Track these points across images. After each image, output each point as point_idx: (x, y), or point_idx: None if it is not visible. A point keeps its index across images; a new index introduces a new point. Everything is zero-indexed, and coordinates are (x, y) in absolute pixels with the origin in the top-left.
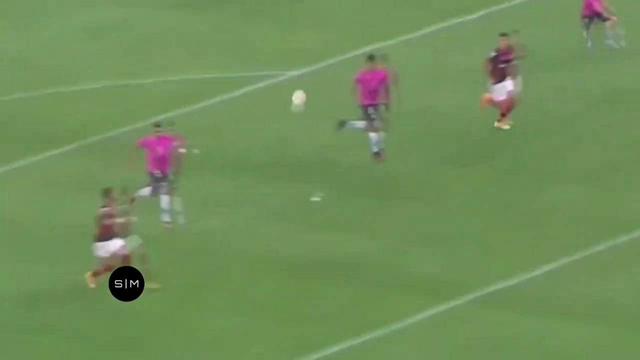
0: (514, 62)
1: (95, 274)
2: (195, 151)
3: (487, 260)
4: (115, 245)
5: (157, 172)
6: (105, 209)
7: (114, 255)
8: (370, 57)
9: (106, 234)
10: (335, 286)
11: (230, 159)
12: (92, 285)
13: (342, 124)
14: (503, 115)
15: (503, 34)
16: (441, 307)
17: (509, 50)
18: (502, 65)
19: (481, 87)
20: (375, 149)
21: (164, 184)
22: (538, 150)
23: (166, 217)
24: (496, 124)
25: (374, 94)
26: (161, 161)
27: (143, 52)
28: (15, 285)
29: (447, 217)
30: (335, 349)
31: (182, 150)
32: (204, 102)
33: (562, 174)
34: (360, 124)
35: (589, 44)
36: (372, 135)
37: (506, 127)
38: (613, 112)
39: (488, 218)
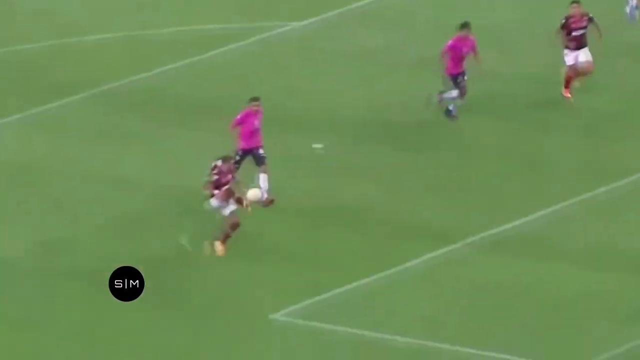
0: (585, 31)
1: (225, 240)
2: None
3: (489, 206)
4: (231, 208)
5: (249, 149)
6: (225, 173)
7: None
8: (464, 25)
9: (228, 196)
10: (342, 231)
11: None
12: (222, 253)
13: (431, 98)
14: (567, 82)
15: (574, 1)
16: (444, 251)
17: (581, 17)
18: (575, 34)
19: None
20: (450, 107)
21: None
22: (539, 100)
23: (264, 194)
24: (564, 93)
25: (462, 62)
26: (255, 134)
27: (155, 3)
28: (33, 234)
29: (450, 165)
30: (342, 292)
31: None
32: (211, 52)
33: (563, 123)
34: (454, 92)
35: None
36: (459, 101)
37: (569, 96)
38: (615, 63)
39: (490, 166)
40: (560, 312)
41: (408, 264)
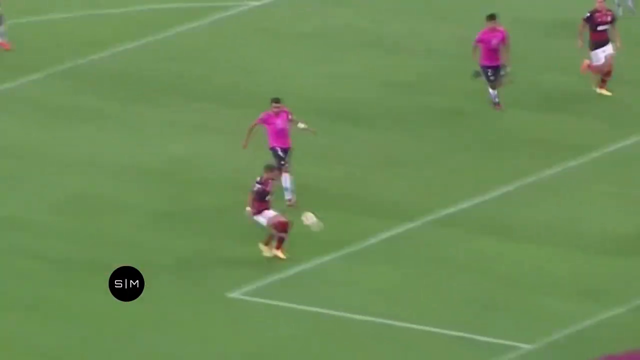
0: (609, 27)
1: (268, 242)
2: (302, 125)
3: (444, 184)
4: (270, 213)
5: (279, 148)
6: (262, 186)
7: (272, 219)
8: (491, 16)
9: (263, 208)
10: (301, 210)
11: (194, 87)
12: (269, 254)
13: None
14: (603, 81)
15: None
16: (400, 229)
17: (606, 12)
18: (600, 28)
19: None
20: (496, 100)
21: (286, 159)
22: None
23: (288, 195)
24: (597, 90)
25: (494, 54)
26: (281, 135)
27: None
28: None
29: (408, 143)
30: (300, 270)
31: (302, 125)
32: (170, 31)
33: (516, 100)
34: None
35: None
36: (491, 91)
37: (608, 93)
38: (568, 41)
39: (444, 144)
40: (513, 290)
41: (367, 242)
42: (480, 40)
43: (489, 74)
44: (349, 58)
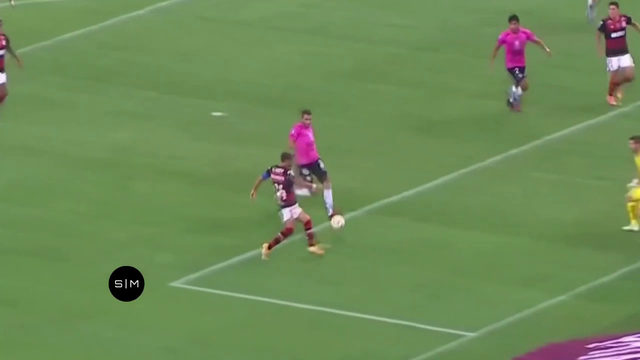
0: (624, 33)
1: (273, 245)
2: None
3: (387, 171)
4: (297, 210)
5: (309, 163)
6: (290, 173)
7: (295, 220)
8: (513, 17)
9: (291, 199)
10: (242, 198)
11: (137, 74)
12: (267, 258)
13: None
14: (612, 89)
15: (613, 2)
16: (344, 217)
17: (619, 19)
18: (614, 35)
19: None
20: (511, 99)
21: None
22: (435, 65)
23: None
24: (609, 100)
25: (518, 56)
26: (311, 148)
27: None
28: None
29: (349, 130)
30: (242, 259)
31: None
32: (112, 19)
33: (460, 87)
34: (513, 87)
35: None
36: (514, 89)
37: (614, 103)
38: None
39: (387, 131)
40: (456, 277)
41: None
42: (501, 42)
43: (517, 72)
44: (291, 45)
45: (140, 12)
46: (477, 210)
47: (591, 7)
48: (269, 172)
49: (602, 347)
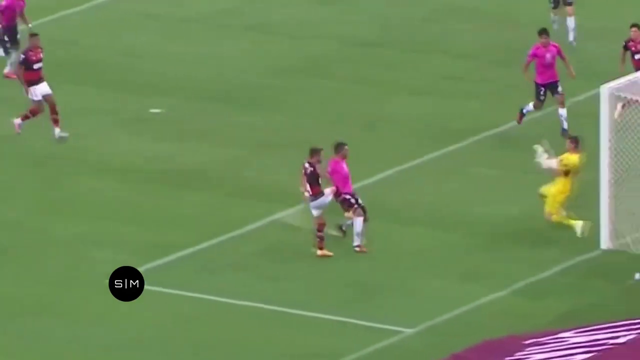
0: None
1: (321, 245)
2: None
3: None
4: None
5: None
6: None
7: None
8: (542, 31)
9: (317, 192)
10: (184, 194)
11: (81, 71)
12: (320, 253)
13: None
14: None
15: (635, 25)
16: (284, 213)
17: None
18: (637, 57)
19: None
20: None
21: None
22: (378, 61)
23: (357, 241)
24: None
25: (549, 71)
26: (348, 180)
27: None
28: None
29: (290, 126)
30: (184, 255)
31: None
32: (54, 15)
33: (402, 84)
34: (531, 104)
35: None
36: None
37: None
38: (446, 24)
39: (327, 128)
40: (395, 273)
41: (250, 226)
42: (532, 56)
43: (541, 92)
44: (232, 42)
45: (81, 8)
46: (417, 207)
47: (553, 21)
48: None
49: (539, 343)
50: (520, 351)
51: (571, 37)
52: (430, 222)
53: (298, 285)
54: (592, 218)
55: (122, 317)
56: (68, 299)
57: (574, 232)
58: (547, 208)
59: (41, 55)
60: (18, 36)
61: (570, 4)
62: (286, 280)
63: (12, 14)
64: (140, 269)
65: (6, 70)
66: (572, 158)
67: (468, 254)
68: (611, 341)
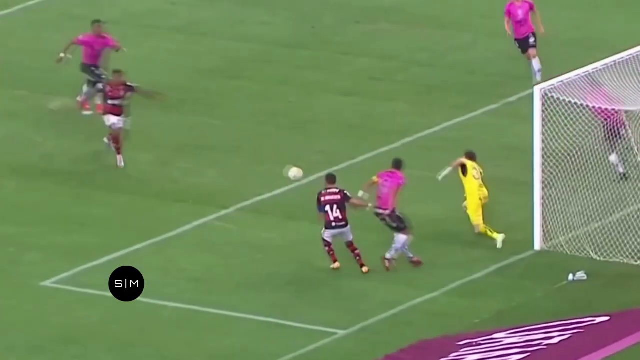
0: None
1: (361, 262)
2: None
3: (258, 169)
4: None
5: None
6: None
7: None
8: None
9: (345, 219)
10: (113, 197)
11: (5, 72)
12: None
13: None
14: None
15: None
16: (213, 215)
17: None
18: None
19: None
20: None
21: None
22: (304, 62)
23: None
24: None
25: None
26: (378, 199)
27: None
28: None
29: (217, 127)
30: (113, 258)
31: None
32: None
33: (328, 85)
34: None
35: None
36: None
37: None
38: (369, 25)
39: (256, 129)
40: (327, 274)
41: (180, 229)
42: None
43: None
44: (158, 43)
45: (10, 10)
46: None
47: (539, 70)
48: (318, 201)
49: (473, 343)
50: (455, 352)
51: (538, 78)
52: (363, 223)
53: (227, 286)
54: (525, 219)
55: (50, 319)
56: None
57: (508, 233)
58: (472, 221)
59: (122, 93)
60: (99, 71)
61: (533, 46)
62: (215, 281)
63: (89, 52)
64: (69, 272)
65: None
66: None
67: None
68: (545, 342)
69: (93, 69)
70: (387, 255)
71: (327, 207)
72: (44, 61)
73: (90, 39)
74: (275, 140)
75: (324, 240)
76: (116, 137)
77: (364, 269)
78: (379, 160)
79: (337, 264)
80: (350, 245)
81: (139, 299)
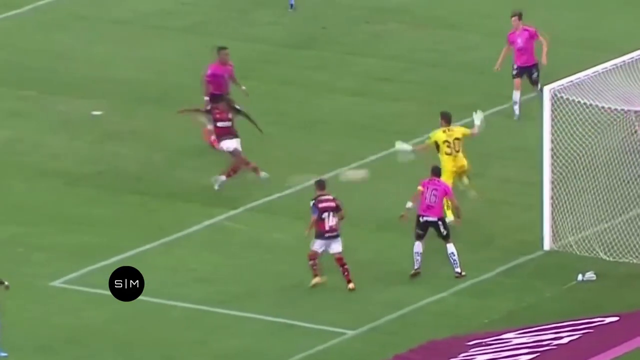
0: None
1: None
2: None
3: (266, 169)
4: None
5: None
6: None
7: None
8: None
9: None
10: (121, 198)
11: (15, 72)
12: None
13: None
14: None
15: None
16: (222, 216)
17: None
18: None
19: None
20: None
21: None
22: (311, 62)
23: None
24: None
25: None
26: (429, 208)
27: None
28: None
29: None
30: (123, 256)
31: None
32: None
33: (336, 85)
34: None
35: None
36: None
37: None
38: (377, 25)
39: (265, 129)
40: (335, 275)
41: (189, 229)
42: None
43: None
44: (168, 43)
45: (18, 11)
46: (355, 208)
47: (515, 102)
48: (315, 205)
49: (483, 343)
50: (464, 352)
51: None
52: (373, 223)
53: (236, 286)
54: (534, 219)
55: (58, 319)
56: (5, 302)
57: (517, 233)
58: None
59: (228, 115)
60: (236, 105)
61: (535, 82)
62: (224, 282)
63: (220, 81)
64: (77, 272)
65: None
66: (438, 133)
67: (409, 254)
68: (555, 342)
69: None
70: (458, 270)
71: (325, 214)
72: (52, 61)
73: (218, 69)
74: (284, 140)
75: (313, 251)
76: (241, 161)
77: (350, 285)
78: (385, 160)
79: (318, 279)
80: (339, 259)
81: (147, 299)
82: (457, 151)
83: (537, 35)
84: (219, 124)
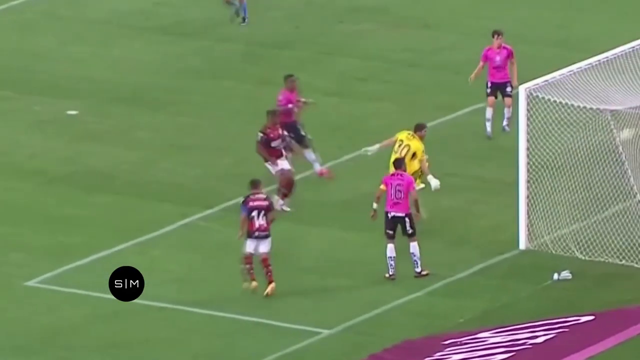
0: None
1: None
2: None
3: (243, 169)
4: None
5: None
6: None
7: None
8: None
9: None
10: (94, 197)
11: None
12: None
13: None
14: None
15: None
16: (197, 215)
17: None
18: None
19: None
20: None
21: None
22: (289, 62)
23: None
24: None
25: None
26: (396, 204)
27: None
28: None
29: (203, 128)
30: (98, 256)
31: None
32: None
33: (314, 85)
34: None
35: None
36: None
37: None
38: (353, 25)
39: (243, 129)
40: (310, 274)
41: (164, 229)
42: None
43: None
44: (143, 43)
45: None
46: (330, 207)
47: (488, 119)
48: (245, 204)
49: (458, 343)
50: (440, 351)
51: (507, 128)
52: (344, 223)
53: (211, 286)
54: (510, 219)
55: (34, 319)
56: None
57: (493, 233)
58: None
59: (280, 132)
60: (302, 132)
61: (509, 96)
62: (197, 281)
63: (289, 111)
64: (53, 272)
65: (317, 168)
66: (402, 132)
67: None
68: (530, 341)
69: (298, 127)
70: (418, 270)
71: (254, 213)
72: (27, 61)
73: (287, 96)
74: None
75: (247, 254)
76: (289, 181)
77: (271, 286)
78: (362, 160)
79: (255, 284)
80: (264, 260)
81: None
82: (401, 156)
83: (513, 55)
84: (273, 144)
